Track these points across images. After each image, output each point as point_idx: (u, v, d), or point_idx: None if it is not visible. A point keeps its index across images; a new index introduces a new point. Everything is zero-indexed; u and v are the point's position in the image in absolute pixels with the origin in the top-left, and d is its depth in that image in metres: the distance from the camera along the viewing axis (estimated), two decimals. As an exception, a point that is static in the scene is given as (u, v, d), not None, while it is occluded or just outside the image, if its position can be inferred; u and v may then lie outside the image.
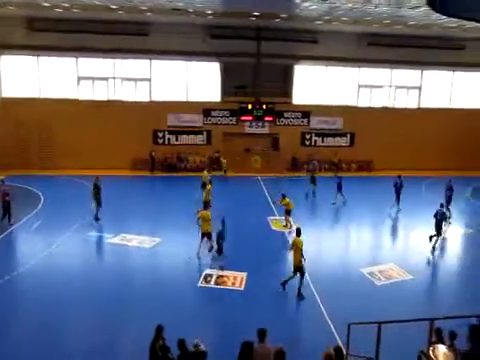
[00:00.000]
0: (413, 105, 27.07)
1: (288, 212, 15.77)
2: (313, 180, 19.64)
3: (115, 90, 25.06)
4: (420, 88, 26.98)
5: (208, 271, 11.89)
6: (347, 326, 7.41)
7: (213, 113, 25.66)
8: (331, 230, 16.92)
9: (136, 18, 22.15)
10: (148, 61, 24.82)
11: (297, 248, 10.59)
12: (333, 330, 9.04)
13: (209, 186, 16.91)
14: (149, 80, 25.08)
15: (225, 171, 24.03)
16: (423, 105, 27.06)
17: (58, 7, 19.71)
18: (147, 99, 25.17)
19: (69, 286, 10.82)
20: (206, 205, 14.06)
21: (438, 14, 3.04)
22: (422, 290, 11.34)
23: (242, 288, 11.01)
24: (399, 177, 18.39)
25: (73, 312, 9.61)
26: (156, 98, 25.13)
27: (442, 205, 14.60)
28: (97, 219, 15.79)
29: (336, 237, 16.18)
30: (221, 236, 12.42)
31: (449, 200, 17.17)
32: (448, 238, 15.71)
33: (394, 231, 17.35)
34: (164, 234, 14.75)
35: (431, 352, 5.42)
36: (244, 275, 11.60)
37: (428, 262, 13.55)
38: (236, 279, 11.44)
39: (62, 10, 20.27)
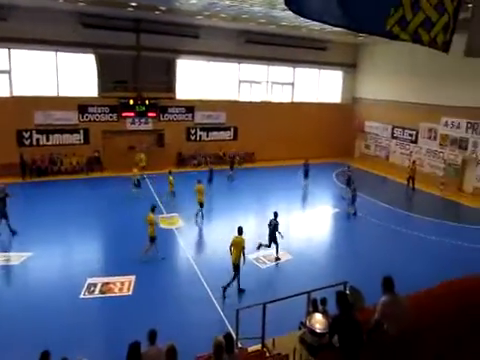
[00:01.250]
0: (287, 100, 29.25)
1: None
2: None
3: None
4: (293, 84, 29.29)
5: (91, 280, 11.00)
6: (236, 311, 7.72)
7: (90, 109, 23.77)
8: (219, 221, 17.31)
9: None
10: (6, 50, 21.56)
11: (236, 246, 10.60)
12: (224, 318, 9.32)
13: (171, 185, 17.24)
14: (8, 72, 21.82)
15: (143, 167, 22.09)
16: (296, 100, 29.42)
17: None
18: (7, 94, 21.88)
19: None
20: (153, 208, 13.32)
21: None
22: (301, 268, 12.28)
23: (130, 293, 10.49)
24: (306, 164, 21.92)
25: None
26: (19, 93, 22.04)
27: (276, 215, 13.30)
28: (14, 232, 14.17)
29: (224, 227, 16.62)
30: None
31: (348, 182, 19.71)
32: (319, 219, 17.53)
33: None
34: (36, 247, 13.14)
35: (308, 321, 5.97)
36: (132, 278, 11.11)
37: (303, 242, 14.79)
38: (123, 284, 10.85)
39: None
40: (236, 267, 10.62)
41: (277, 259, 12.86)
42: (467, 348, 4.46)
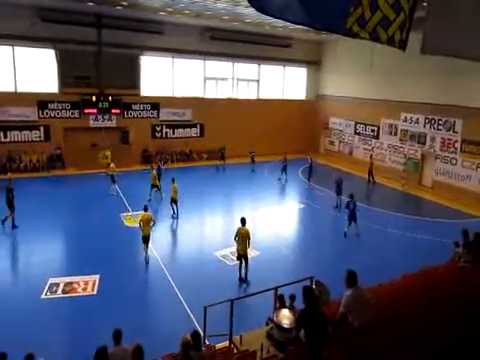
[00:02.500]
0: (253, 96, 29.38)
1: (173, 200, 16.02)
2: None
3: None
4: (258, 81, 29.43)
5: (53, 280, 10.70)
6: (203, 309, 7.69)
7: (51, 106, 22.93)
8: (186, 219, 17.12)
9: None
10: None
11: (241, 237, 11.00)
12: (192, 316, 9.26)
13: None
14: (-39, 67, 20.90)
15: (109, 164, 21.45)
16: (261, 96, 29.60)
17: None
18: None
19: None
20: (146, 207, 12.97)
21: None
22: (269, 263, 12.38)
23: (95, 292, 10.26)
24: (285, 160, 22.54)
25: None
26: (-26, 88, 21.20)
27: (352, 196, 14.69)
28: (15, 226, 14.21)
29: (191, 224, 16.51)
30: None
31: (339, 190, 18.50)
32: (285, 215, 17.77)
33: (242, 212, 18.44)
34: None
35: (275, 317, 6.03)
36: (96, 278, 10.86)
37: (271, 238, 14.91)
38: (87, 284, 10.60)
39: None
40: (245, 257, 11.14)
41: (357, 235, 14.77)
42: (429, 339, 4.65)
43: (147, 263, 12.07)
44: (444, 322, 5.06)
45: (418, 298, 6.33)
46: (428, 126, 22.48)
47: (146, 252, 12.27)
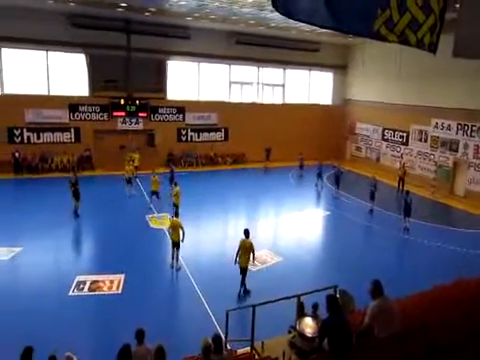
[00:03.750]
0: (278, 101, 29.26)
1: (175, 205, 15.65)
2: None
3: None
4: (284, 85, 29.32)
5: (80, 278, 10.98)
6: (225, 313, 7.67)
7: (81, 108, 23.71)
8: (210, 222, 17.17)
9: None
10: (-4, 49, 21.54)
11: (244, 249, 10.40)
12: (214, 320, 9.25)
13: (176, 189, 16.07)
14: (-1, 71, 21.87)
15: (136, 167, 22.09)
16: (287, 101, 29.45)
17: None
18: (-2, 93, 21.95)
19: None
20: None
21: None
22: (291, 270, 12.20)
23: (119, 291, 10.45)
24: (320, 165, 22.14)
25: None
26: (10, 91, 22.10)
27: (407, 192, 16.26)
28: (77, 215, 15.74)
29: (216, 229, 16.56)
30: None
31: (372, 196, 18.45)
32: (310, 221, 17.55)
33: (265, 218, 18.43)
34: (26, 243, 13.16)
35: (298, 325, 5.94)
36: (122, 277, 11.04)
37: (294, 244, 14.70)
38: (113, 283, 10.80)
39: None
40: (244, 270, 10.54)
41: (406, 229, 15.74)
42: (457, 352, 4.46)
43: (172, 267, 11.91)
44: (474, 336, 4.84)
45: (448, 311, 6.10)
46: (461, 132, 21.71)
47: (173, 258, 11.95)
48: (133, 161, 22.36)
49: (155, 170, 18.89)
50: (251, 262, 10.74)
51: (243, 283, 10.60)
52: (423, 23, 3.23)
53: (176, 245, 11.89)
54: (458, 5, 3.50)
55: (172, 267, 11.95)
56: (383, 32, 3.18)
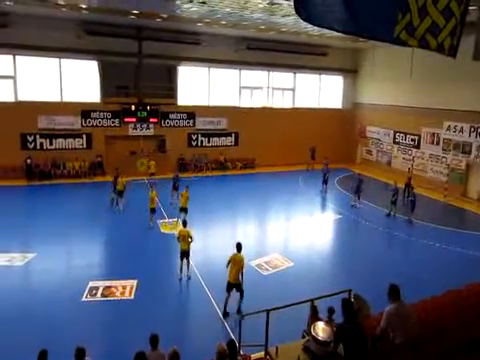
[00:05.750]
0: (288, 105, 29.26)
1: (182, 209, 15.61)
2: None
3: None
4: (294, 90, 29.31)
5: (93, 283, 11.04)
6: (238, 318, 7.64)
7: (93, 115, 23.98)
8: (223, 227, 17.19)
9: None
10: (11, 57, 21.99)
11: (234, 264, 9.75)
12: (226, 325, 9.24)
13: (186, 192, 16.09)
14: (13, 78, 22.24)
15: (152, 174, 22.38)
16: (297, 105, 29.40)
17: None
18: (12, 99, 22.31)
19: None
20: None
21: (304, 22, 3.30)
22: (303, 274, 12.15)
23: (132, 297, 10.47)
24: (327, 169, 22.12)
25: None
26: (23, 98, 22.47)
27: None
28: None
29: (226, 233, 16.54)
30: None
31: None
32: (321, 225, 17.44)
33: (276, 222, 18.31)
34: (40, 249, 13.30)
35: (312, 329, 5.89)
36: (134, 283, 11.08)
37: (305, 248, 14.64)
38: (125, 288, 10.83)
39: None
40: (237, 286, 9.78)
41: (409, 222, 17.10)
42: (473, 357, 4.39)
43: (180, 280, 11.49)
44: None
45: (463, 315, 6.01)
46: (474, 135, 21.45)
47: (181, 269, 11.56)
48: (149, 167, 22.54)
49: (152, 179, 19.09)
50: (240, 279, 9.83)
51: (241, 302, 9.84)
52: (443, 27, 3.21)
53: (186, 254, 11.55)
54: (476, 7, 3.48)
55: (180, 279, 11.51)
56: (403, 37, 3.19)
